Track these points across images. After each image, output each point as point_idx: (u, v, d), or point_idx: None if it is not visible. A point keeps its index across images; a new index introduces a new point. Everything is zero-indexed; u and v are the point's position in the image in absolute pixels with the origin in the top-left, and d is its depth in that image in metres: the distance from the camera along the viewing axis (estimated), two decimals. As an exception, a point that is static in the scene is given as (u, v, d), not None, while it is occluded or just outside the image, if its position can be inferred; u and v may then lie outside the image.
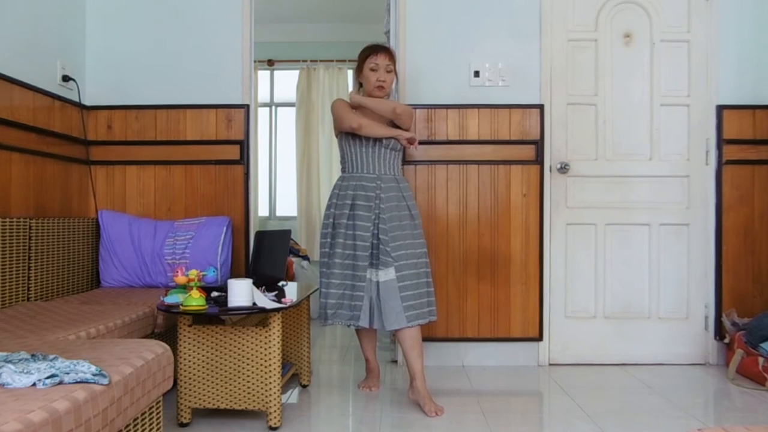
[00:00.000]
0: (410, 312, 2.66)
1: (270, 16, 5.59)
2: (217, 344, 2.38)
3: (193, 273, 2.34)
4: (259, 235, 2.66)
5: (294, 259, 5.14)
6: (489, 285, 3.38)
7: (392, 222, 2.72)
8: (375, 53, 2.84)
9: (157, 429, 1.84)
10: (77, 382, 1.39)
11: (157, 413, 1.84)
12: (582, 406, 2.69)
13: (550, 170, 3.41)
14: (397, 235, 2.71)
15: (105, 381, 1.43)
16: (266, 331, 2.34)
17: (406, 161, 3.34)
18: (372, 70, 2.83)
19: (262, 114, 6.55)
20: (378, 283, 2.68)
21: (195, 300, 2.28)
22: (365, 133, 2.74)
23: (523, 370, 3.33)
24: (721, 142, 3.38)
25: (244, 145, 3.42)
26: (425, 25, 3.42)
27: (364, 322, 2.70)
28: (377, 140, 2.76)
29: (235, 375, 2.37)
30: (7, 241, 2.60)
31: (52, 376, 1.37)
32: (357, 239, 2.71)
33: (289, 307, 2.37)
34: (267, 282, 2.63)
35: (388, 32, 3.63)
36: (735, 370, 3.09)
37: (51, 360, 1.48)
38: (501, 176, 3.39)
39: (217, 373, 2.38)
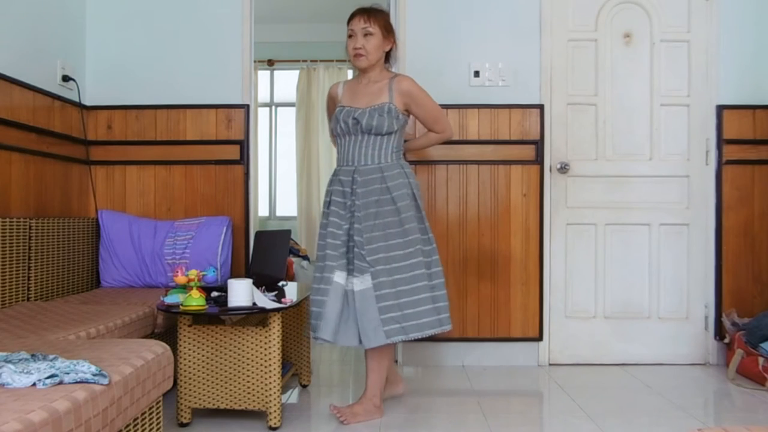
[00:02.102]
0: (390, 326, 2.37)
1: (270, 16, 5.59)
2: (217, 344, 2.38)
3: (193, 273, 2.34)
4: (259, 235, 2.66)
5: (294, 259, 5.15)
6: (489, 285, 3.38)
7: (368, 221, 2.42)
8: (351, 19, 2.52)
9: (157, 429, 1.84)
10: (77, 382, 1.39)
11: (157, 413, 1.84)
12: (582, 406, 2.69)
13: (550, 170, 3.41)
14: (373, 237, 2.41)
15: (105, 381, 1.43)
16: (266, 331, 2.34)
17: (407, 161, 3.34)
18: (349, 37, 2.52)
19: (262, 114, 6.56)
20: (354, 292, 2.40)
21: (195, 300, 2.28)
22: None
23: (523, 370, 3.33)
24: (721, 142, 3.38)
25: (244, 145, 3.42)
26: (425, 25, 3.42)
27: (324, 334, 2.40)
28: (355, 125, 2.47)
29: (235, 375, 2.37)
30: (7, 241, 2.60)
31: (52, 376, 1.37)
32: (328, 238, 2.47)
33: (289, 307, 2.37)
34: (267, 282, 2.63)
35: (388, 32, 3.63)
36: (735, 370, 3.09)
37: (51, 360, 1.48)
38: (501, 176, 3.39)
39: (217, 373, 2.38)
